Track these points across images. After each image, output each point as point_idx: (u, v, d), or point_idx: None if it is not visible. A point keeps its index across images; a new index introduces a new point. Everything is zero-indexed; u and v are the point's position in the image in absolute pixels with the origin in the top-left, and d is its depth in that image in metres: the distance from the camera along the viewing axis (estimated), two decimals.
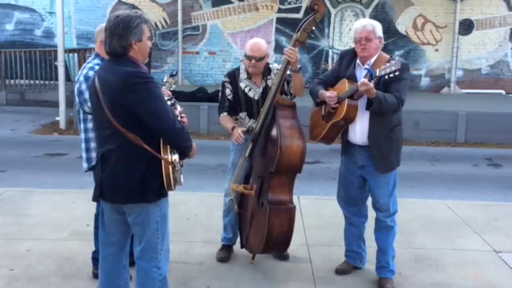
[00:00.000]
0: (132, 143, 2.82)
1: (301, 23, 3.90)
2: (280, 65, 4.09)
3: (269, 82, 4.15)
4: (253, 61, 4.06)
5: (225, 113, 4.25)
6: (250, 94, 4.18)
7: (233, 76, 4.24)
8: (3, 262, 4.22)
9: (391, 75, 3.49)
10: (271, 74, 4.19)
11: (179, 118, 2.97)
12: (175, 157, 2.89)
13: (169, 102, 3.02)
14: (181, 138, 2.91)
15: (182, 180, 2.96)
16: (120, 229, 3.13)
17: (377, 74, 3.53)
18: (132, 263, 3.27)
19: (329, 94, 3.82)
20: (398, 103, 3.67)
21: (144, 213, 2.96)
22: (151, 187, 2.90)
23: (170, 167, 2.86)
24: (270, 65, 4.24)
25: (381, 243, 4.00)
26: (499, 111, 10.67)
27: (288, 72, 3.99)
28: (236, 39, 14.26)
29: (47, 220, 5.19)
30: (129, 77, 2.80)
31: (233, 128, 4.14)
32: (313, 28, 3.89)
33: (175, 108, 3.05)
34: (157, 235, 3.01)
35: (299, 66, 3.95)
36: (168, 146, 2.89)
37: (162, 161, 2.86)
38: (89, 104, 3.60)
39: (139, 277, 3.06)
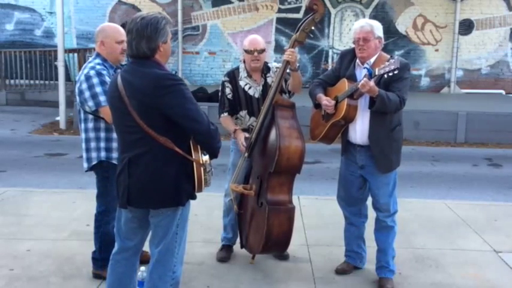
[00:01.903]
0: (163, 147, 2.79)
1: (300, 23, 3.91)
2: (278, 64, 4.12)
3: (268, 79, 4.17)
4: (255, 53, 4.07)
5: (225, 114, 4.25)
6: (251, 92, 4.19)
7: (232, 75, 4.25)
8: (3, 262, 4.22)
9: (390, 74, 3.49)
10: (270, 72, 4.20)
11: None
12: (206, 158, 2.88)
13: None
14: (215, 139, 2.89)
15: (211, 181, 2.94)
16: (138, 236, 3.10)
17: (376, 73, 3.53)
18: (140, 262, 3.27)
19: (325, 102, 3.82)
20: (400, 101, 3.67)
21: (172, 216, 2.94)
22: (185, 190, 2.88)
23: (202, 168, 2.86)
24: (269, 64, 4.26)
25: (381, 243, 4.00)
26: (499, 111, 10.67)
27: (287, 71, 4.00)
28: (236, 39, 14.27)
29: (47, 220, 5.19)
30: (161, 80, 2.76)
31: (235, 131, 4.15)
32: (313, 28, 3.89)
33: None
34: (175, 239, 2.98)
35: (298, 65, 3.98)
36: (199, 148, 2.88)
37: (194, 163, 2.85)
38: (89, 103, 3.61)
39: (152, 279, 3.01)
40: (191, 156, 2.85)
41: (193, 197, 2.95)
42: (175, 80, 2.80)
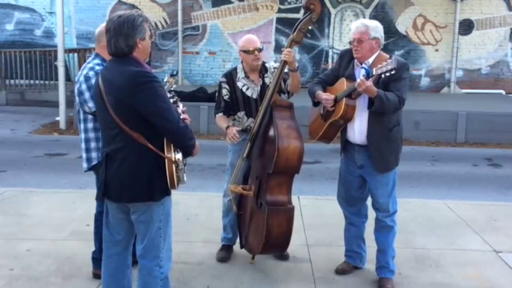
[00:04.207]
0: (137, 143, 2.85)
1: (297, 23, 3.90)
2: (276, 64, 4.11)
3: (266, 80, 4.17)
4: (256, 52, 4.08)
5: (220, 114, 4.26)
6: (248, 93, 4.19)
7: (230, 76, 4.25)
8: (3, 262, 4.22)
9: (387, 74, 3.48)
10: (268, 72, 4.20)
11: (182, 116, 3.00)
12: (179, 156, 2.92)
13: (171, 101, 3.04)
14: (185, 137, 2.94)
15: (186, 179, 2.98)
16: (125, 228, 3.14)
17: (373, 73, 3.53)
18: (134, 263, 3.28)
19: (325, 96, 3.82)
20: (399, 101, 3.66)
21: (148, 212, 2.98)
22: (157, 186, 2.92)
23: (174, 165, 2.89)
24: (266, 64, 4.25)
25: (380, 243, 4.00)
26: (499, 111, 10.67)
27: (286, 71, 4.00)
28: (236, 39, 14.21)
29: (47, 220, 5.19)
30: (135, 77, 2.82)
31: (227, 128, 4.16)
32: (310, 28, 3.88)
33: (178, 107, 3.08)
34: (160, 234, 3.02)
35: (296, 65, 3.97)
36: (172, 145, 2.92)
37: (166, 160, 2.88)
38: (89, 104, 3.61)
39: (142, 276, 3.06)
40: (164, 153, 2.89)
41: (168, 193, 2.99)
42: (149, 78, 2.85)
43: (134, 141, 2.85)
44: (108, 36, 2.88)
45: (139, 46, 2.88)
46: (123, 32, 2.84)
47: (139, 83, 2.81)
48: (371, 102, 3.63)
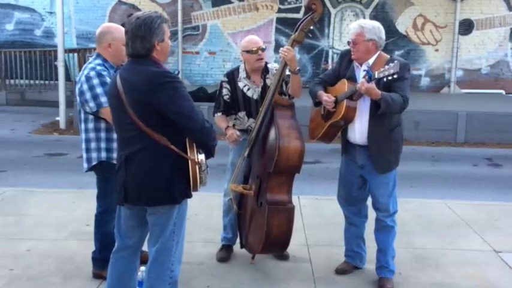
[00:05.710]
0: (157, 144, 2.80)
1: (299, 23, 3.90)
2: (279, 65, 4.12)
3: (268, 81, 4.15)
4: (259, 52, 4.06)
5: (219, 113, 4.25)
6: (249, 93, 4.18)
7: (232, 76, 4.24)
8: (3, 262, 4.22)
9: (390, 78, 3.47)
10: (270, 73, 4.18)
11: None
12: (202, 157, 2.88)
13: None
14: (209, 137, 2.91)
15: (207, 180, 2.94)
16: (137, 234, 3.11)
17: (376, 76, 3.51)
18: (142, 262, 3.27)
19: (326, 98, 3.81)
20: (404, 100, 3.64)
21: (167, 215, 2.94)
22: (178, 188, 2.88)
23: (197, 167, 2.86)
24: (269, 65, 4.24)
25: (380, 243, 4.00)
26: (499, 111, 10.68)
27: (288, 73, 3.98)
28: (236, 39, 14.26)
29: (47, 220, 5.19)
30: (155, 77, 2.78)
31: (227, 128, 4.16)
32: (312, 27, 3.87)
33: None
34: (173, 237, 2.98)
35: (298, 68, 3.93)
36: (194, 146, 2.88)
37: (189, 161, 2.85)
38: (90, 104, 3.62)
39: (150, 278, 3.02)
40: (186, 154, 2.86)
41: (189, 196, 2.95)
42: (170, 78, 2.82)
43: (153, 143, 2.80)
44: (127, 38, 2.85)
45: (157, 48, 2.85)
46: (139, 34, 2.80)
47: (159, 82, 2.77)
48: (377, 105, 3.62)
